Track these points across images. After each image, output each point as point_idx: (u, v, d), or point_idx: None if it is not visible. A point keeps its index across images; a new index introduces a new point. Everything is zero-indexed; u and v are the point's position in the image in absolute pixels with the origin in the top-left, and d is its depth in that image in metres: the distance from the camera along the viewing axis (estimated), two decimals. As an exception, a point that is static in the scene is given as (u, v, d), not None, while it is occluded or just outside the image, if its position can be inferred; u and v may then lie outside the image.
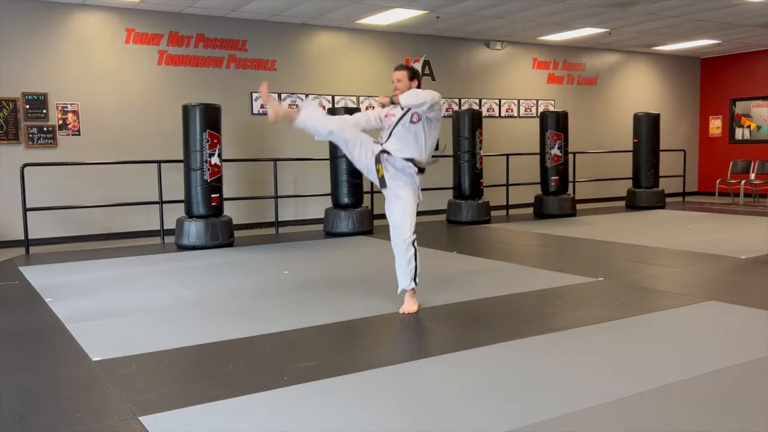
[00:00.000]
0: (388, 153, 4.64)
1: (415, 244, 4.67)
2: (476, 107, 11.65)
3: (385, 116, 4.78)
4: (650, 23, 10.54)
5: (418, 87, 4.76)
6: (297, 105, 9.96)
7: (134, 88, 9.04)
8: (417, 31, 10.85)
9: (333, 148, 8.72)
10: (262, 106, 9.82)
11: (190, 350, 3.89)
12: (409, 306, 4.64)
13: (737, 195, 12.98)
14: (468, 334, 4.13)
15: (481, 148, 10.15)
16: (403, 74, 4.71)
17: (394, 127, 4.67)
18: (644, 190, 11.93)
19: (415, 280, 4.66)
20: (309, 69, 10.21)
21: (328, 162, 9.23)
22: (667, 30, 11.15)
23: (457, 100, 11.59)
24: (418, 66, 11.15)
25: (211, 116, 7.96)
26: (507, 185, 11.38)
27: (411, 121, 4.64)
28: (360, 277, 5.75)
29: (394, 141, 4.66)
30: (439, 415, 2.89)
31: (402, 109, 4.64)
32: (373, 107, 5.05)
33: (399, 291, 4.69)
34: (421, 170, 4.69)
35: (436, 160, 5.02)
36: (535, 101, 12.44)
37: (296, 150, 9.83)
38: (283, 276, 6.07)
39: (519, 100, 12.27)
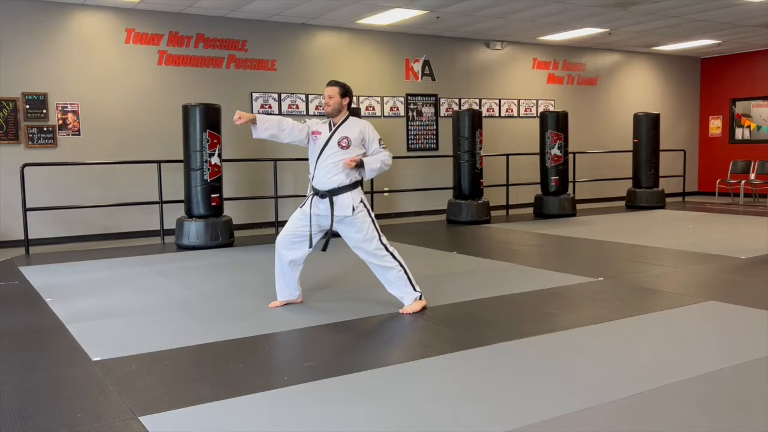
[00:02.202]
0: (320, 196, 4.59)
1: (395, 253, 4.64)
2: (476, 107, 11.66)
3: (313, 132, 4.70)
4: (650, 23, 10.54)
5: (350, 104, 4.70)
6: (297, 104, 9.97)
7: (134, 88, 9.04)
8: (417, 31, 10.85)
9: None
10: (261, 106, 9.84)
11: (190, 350, 3.89)
12: (412, 306, 4.64)
13: (737, 195, 12.98)
14: (468, 334, 4.13)
15: (481, 148, 10.15)
16: (334, 90, 4.66)
17: (321, 152, 4.60)
18: (644, 190, 11.93)
19: (414, 287, 4.66)
20: (309, 69, 10.21)
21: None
22: (667, 30, 11.15)
23: (457, 100, 11.60)
24: (418, 66, 11.16)
25: (211, 116, 7.96)
26: (507, 185, 11.38)
27: (339, 145, 4.58)
28: (360, 278, 5.74)
29: (324, 168, 4.58)
30: (439, 415, 2.89)
31: (336, 139, 4.57)
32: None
33: (409, 304, 4.64)
34: (357, 182, 4.64)
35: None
36: (535, 101, 12.44)
37: (296, 150, 9.78)
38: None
39: (519, 100, 12.27)
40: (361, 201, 4.62)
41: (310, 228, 4.64)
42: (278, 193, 9.37)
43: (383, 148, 4.70)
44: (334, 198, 4.56)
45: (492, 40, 11.80)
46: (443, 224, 10.08)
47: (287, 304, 4.88)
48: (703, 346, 3.84)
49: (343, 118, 4.67)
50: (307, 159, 10.08)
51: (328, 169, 4.58)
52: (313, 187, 4.68)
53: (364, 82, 10.64)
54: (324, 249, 4.65)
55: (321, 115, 9.76)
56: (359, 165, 4.56)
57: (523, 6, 9.22)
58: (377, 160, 4.63)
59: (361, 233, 4.59)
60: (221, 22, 9.49)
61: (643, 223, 9.76)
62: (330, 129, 4.65)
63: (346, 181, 4.58)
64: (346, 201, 4.56)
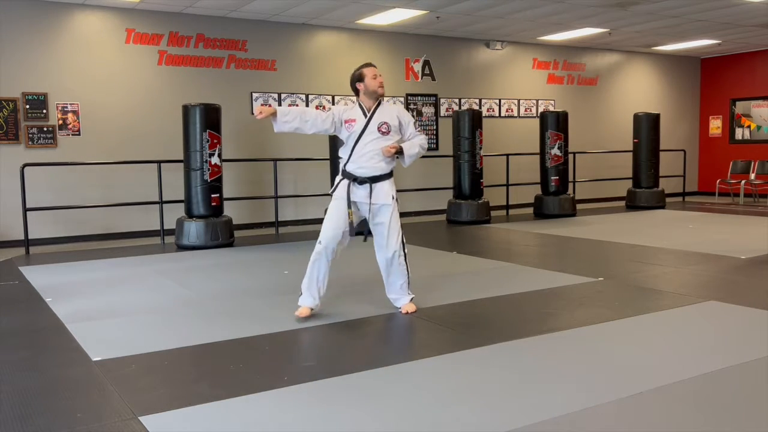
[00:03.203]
0: (359, 182, 4.42)
1: (406, 250, 4.62)
2: (476, 107, 11.65)
3: (346, 121, 4.48)
4: (650, 23, 10.54)
5: (357, 93, 4.58)
6: (297, 103, 9.97)
7: (134, 88, 9.04)
8: (417, 31, 10.85)
9: (333, 148, 8.71)
10: (262, 106, 9.83)
11: (190, 350, 3.89)
12: (410, 306, 4.64)
13: (737, 195, 12.98)
14: (468, 334, 4.13)
15: (481, 148, 10.15)
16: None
17: (359, 138, 4.43)
18: (644, 190, 11.93)
19: (409, 287, 4.66)
20: (309, 69, 10.21)
21: (328, 162, 9.22)
22: (667, 30, 11.15)
23: (457, 100, 11.59)
24: (418, 66, 11.16)
25: (211, 116, 7.96)
26: (507, 185, 11.38)
27: (380, 131, 4.44)
28: (359, 278, 5.74)
29: (364, 155, 4.42)
30: (439, 415, 2.89)
31: (370, 124, 4.44)
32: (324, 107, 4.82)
33: (401, 306, 4.62)
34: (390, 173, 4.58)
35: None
36: (535, 101, 12.44)
37: (296, 150, 9.83)
38: (283, 276, 6.07)
39: (519, 100, 12.27)
40: (396, 191, 4.55)
41: (357, 213, 4.50)
42: (278, 193, 9.37)
43: (419, 131, 4.60)
44: (374, 185, 4.44)
45: (492, 40, 11.80)
46: (443, 224, 10.08)
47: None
48: (703, 346, 3.83)
49: (377, 102, 4.52)
50: (307, 159, 10.07)
51: (370, 156, 4.42)
52: (348, 172, 4.48)
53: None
54: (365, 239, 4.57)
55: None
56: (398, 152, 4.45)
57: (523, 6, 9.22)
58: (415, 145, 4.51)
59: (392, 224, 4.51)
60: (221, 22, 9.49)
61: (643, 223, 9.76)
62: (365, 115, 4.48)
63: (387, 169, 4.49)
64: (386, 188, 4.48)
